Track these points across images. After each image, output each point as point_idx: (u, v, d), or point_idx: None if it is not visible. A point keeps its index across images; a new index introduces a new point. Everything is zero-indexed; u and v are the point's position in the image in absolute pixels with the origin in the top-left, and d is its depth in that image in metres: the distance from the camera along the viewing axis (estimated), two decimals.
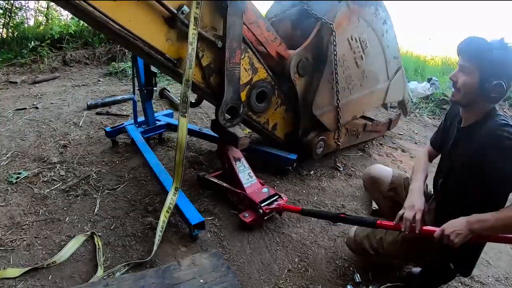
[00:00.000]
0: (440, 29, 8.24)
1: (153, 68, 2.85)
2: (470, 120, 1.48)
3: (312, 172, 2.92)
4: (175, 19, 1.79)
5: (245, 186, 2.26)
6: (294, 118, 2.73)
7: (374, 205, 2.40)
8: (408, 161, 3.40)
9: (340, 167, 3.02)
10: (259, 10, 2.26)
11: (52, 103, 4.09)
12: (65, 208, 2.32)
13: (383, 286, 1.81)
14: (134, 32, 1.71)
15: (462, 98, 1.43)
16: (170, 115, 3.51)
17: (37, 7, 7.26)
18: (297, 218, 2.32)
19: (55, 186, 2.54)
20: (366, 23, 2.79)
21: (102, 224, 2.18)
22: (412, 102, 4.80)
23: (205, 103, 2.89)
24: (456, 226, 1.35)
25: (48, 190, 2.49)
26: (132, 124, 3.14)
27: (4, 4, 6.26)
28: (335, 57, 2.52)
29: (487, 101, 1.40)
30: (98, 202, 2.38)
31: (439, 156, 1.76)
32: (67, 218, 2.23)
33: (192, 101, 2.68)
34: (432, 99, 4.91)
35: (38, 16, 7.26)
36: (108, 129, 3.09)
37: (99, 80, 5.01)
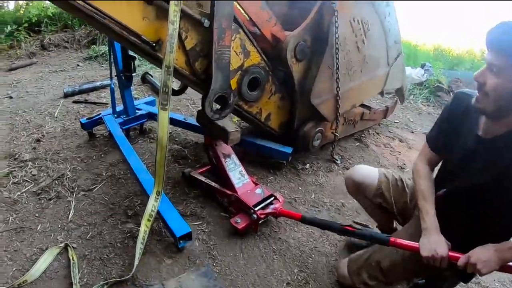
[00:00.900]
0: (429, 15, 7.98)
1: (131, 52, 2.50)
2: (499, 131, 1.19)
3: (308, 166, 2.70)
4: None
5: (236, 186, 2.01)
6: (289, 107, 2.47)
7: None
8: (406, 152, 3.24)
9: (337, 160, 2.81)
10: None
11: (27, 92, 3.71)
12: (37, 214, 2.04)
13: None
14: (103, 10, 1.41)
15: (491, 105, 1.13)
16: (152, 103, 3.16)
17: None
18: (294, 220, 2.10)
19: (26, 188, 2.23)
20: (369, 4, 2.52)
21: (77, 233, 1.92)
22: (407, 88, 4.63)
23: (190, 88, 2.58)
24: (483, 255, 1.16)
25: (19, 193, 2.19)
26: (110, 114, 2.79)
27: None
28: (337, 40, 2.25)
29: None
30: (72, 206, 2.10)
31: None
32: (39, 227, 1.95)
33: (175, 89, 2.37)
34: (426, 85, 4.77)
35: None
36: (83, 120, 2.74)
37: (78, 65, 4.64)
